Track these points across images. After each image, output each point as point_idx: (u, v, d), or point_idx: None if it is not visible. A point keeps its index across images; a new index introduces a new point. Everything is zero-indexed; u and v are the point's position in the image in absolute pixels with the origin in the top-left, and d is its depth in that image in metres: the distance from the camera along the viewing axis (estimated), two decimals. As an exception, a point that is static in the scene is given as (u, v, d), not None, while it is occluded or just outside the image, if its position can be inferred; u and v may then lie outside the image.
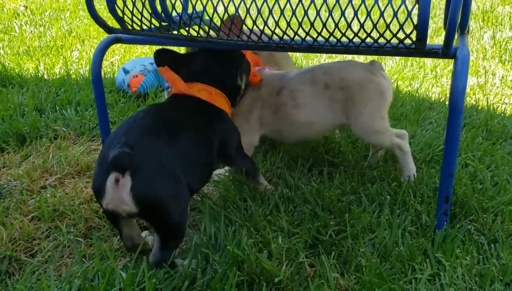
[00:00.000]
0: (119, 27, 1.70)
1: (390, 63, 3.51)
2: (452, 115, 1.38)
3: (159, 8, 1.73)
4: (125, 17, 1.63)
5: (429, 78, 3.18)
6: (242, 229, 1.52)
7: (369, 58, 2.01)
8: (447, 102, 2.69)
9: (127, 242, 1.46)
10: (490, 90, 2.95)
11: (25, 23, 4.68)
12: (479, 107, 2.69)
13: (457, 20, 1.32)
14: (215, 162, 1.62)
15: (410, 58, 3.60)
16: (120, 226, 1.42)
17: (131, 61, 3.09)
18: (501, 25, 4.71)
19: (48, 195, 1.80)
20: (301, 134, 1.93)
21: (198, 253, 1.45)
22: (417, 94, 2.83)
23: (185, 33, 1.62)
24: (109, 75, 3.21)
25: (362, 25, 1.37)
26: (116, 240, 1.59)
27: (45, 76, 3.13)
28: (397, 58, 3.55)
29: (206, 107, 1.63)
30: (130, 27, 1.68)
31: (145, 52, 3.78)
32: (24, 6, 5.59)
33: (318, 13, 1.39)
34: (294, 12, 1.41)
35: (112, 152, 1.28)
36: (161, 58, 1.70)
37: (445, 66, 3.40)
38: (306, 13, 1.40)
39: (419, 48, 1.40)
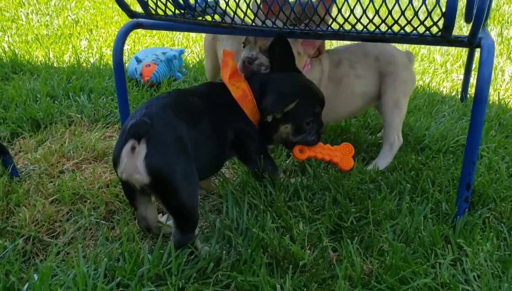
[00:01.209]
0: (142, 11, 1.71)
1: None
2: (476, 104, 1.40)
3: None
4: (150, 1, 1.63)
5: (439, 73, 3.20)
6: (264, 214, 1.53)
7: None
8: (458, 96, 2.71)
9: (141, 222, 1.47)
10: (500, 86, 2.97)
11: (31, 12, 4.67)
12: (490, 102, 2.71)
13: (486, 8, 1.33)
14: (225, 157, 1.62)
15: (420, 53, 3.62)
16: (135, 203, 1.43)
17: (143, 50, 3.09)
18: (508, 23, 4.73)
19: (67, 179, 1.80)
20: (354, 108, 2.02)
21: (221, 236, 1.46)
22: (428, 89, 2.85)
23: (210, 19, 1.63)
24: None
25: (390, 12, 1.38)
26: (136, 223, 1.60)
27: (55, 64, 3.13)
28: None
29: (231, 104, 1.60)
30: (153, 12, 1.68)
31: (156, 43, 3.78)
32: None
33: (346, -1, 1.40)
34: (322, -2, 1.42)
35: (131, 121, 1.32)
36: (276, 46, 1.66)
37: (454, 61, 3.42)
38: (334, -1, 1.41)
39: (445, 36, 1.41)
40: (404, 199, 1.61)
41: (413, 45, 3.67)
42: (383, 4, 1.36)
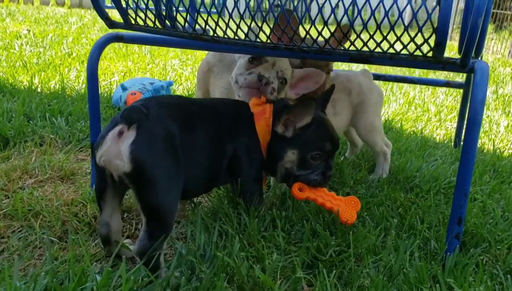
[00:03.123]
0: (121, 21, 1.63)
1: (394, 105, 3.45)
2: (470, 128, 1.28)
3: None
4: (129, 10, 1.55)
5: (433, 122, 3.11)
6: (233, 239, 1.37)
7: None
8: (451, 143, 2.61)
9: (102, 229, 1.34)
10: (496, 136, 2.88)
11: (26, 43, 4.64)
12: (485, 151, 2.61)
13: (479, 28, 1.24)
14: (219, 175, 1.50)
15: (414, 101, 3.56)
16: (103, 202, 1.32)
17: (130, 79, 3.02)
18: (503, 82, 4.73)
19: (25, 195, 1.65)
20: None
21: (183, 261, 1.30)
22: (421, 135, 2.75)
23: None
24: (106, 94, 3.11)
25: (378, 26, 1.30)
26: (94, 245, 1.44)
27: (39, 89, 3.03)
28: (401, 100, 3.50)
29: (239, 119, 1.53)
30: (133, 21, 1.60)
31: (145, 74, 3.72)
32: (27, 30, 5.58)
33: (333, 10, 1.31)
34: (308, 9, 1.34)
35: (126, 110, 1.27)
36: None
37: (449, 113, 3.35)
38: (320, 10, 1.33)
39: (436, 55, 1.32)
40: (390, 234, 1.46)
41: (406, 93, 3.62)
42: (372, 17, 1.28)
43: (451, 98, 3.83)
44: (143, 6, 1.50)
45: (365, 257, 1.37)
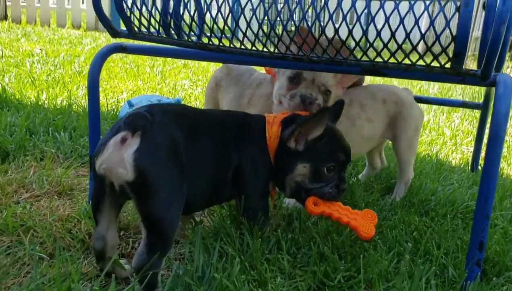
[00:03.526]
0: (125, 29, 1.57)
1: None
2: (492, 143, 1.19)
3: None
4: (132, 17, 1.49)
5: (448, 146, 3.00)
6: (234, 260, 1.27)
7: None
8: (468, 167, 2.50)
9: (97, 242, 1.25)
10: (514, 161, 2.76)
11: (37, 61, 4.64)
12: (504, 175, 2.49)
13: (502, 36, 1.16)
14: (225, 189, 1.42)
15: (428, 124, 3.45)
16: (99, 214, 1.24)
17: (138, 96, 2.96)
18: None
19: (18, 209, 1.57)
20: (359, 151, 1.94)
21: (180, 282, 1.21)
22: (436, 158, 2.64)
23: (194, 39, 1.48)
24: (113, 111, 3.06)
25: (393, 34, 1.22)
26: (86, 263, 1.35)
27: (45, 105, 2.99)
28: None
29: (249, 130, 1.46)
30: (137, 29, 1.54)
31: (154, 93, 3.68)
32: (40, 49, 5.61)
33: (344, 17, 1.24)
34: (318, 16, 1.27)
35: (129, 113, 1.20)
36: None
37: (464, 137, 3.24)
38: (331, 17, 1.25)
39: (455, 67, 1.23)
40: (403, 259, 1.35)
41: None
42: (386, 24, 1.20)
43: (466, 123, 3.72)
44: (147, 15, 1.45)
45: (376, 283, 1.26)
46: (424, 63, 1.29)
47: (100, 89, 3.67)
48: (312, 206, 1.42)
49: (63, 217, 1.56)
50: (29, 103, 2.99)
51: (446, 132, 3.32)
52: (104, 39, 8.04)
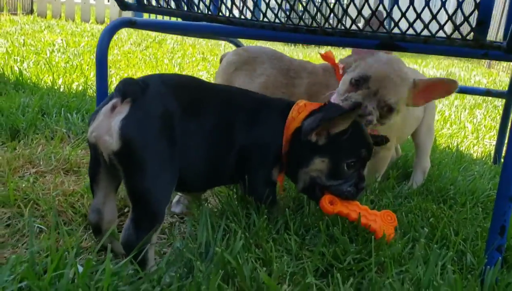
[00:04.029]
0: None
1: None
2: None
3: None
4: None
5: (470, 139, 2.90)
6: (237, 235, 1.21)
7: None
8: (491, 160, 2.40)
9: (92, 215, 1.21)
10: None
11: (57, 50, 4.67)
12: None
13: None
14: (225, 171, 1.34)
15: (449, 118, 3.35)
16: (95, 185, 1.20)
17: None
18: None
19: (22, 183, 1.54)
20: (410, 131, 1.91)
21: (180, 259, 1.15)
22: (457, 150, 2.54)
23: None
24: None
25: (412, 2, 1.14)
26: (86, 237, 1.31)
27: (61, 90, 2.98)
28: (436, 116, 3.28)
29: (262, 112, 1.36)
30: (146, 1, 1.50)
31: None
32: (61, 40, 5.65)
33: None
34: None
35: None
36: None
37: (487, 131, 3.13)
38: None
39: (479, 37, 1.15)
40: (419, 244, 1.28)
41: (441, 112, 3.41)
42: (404, -9, 1.13)
43: (489, 119, 3.60)
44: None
45: (388, 267, 1.19)
46: (444, 35, 1.21)
47: (118, 77, 3.67)
48: (328, 205, 1.32)
49: (67, 192, 1.52)
50: (45, 86, 2.98)
51: (468, 127, 3.20)
52: (126, 33, 8.08)
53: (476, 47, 1.19)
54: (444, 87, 1.49)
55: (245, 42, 4.93)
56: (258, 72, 1.89)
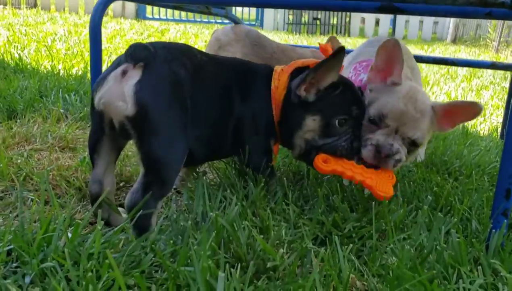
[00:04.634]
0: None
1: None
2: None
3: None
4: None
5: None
6: (232, 202, 1.17)
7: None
8: (498, 136, 2.35)
9: (93, 186, 1.17)
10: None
11: (59, 39, 4.64)
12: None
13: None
14: (226, 140, 1.31)
15: (456, 99, 3.29)
16: (96, 155, 1.16)
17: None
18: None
19: (17, 158, 1.51)
20: None
21: (175, 227, 1.12)
22: (463, 127, 2.49)
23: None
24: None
25: (411, -44, 1.10)
26: (79, 210, 1.28)
27: (61, 74, 2.95)
28: (442, 97, 3.23)
29: (254, 77, 1.34)
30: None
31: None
32: (63, 30, 5.63)
33: None
34: None
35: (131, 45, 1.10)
36: None
37: (494, 110, 3.06)
38: None
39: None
40: (422, 210, 1.23)
41: (447, 93, 3.34)
42: None
43: (497, 100, 3.53)
44: None
45: (390, 233, 1.15)
46: (446, -8, 1.16)
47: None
48: (322, 163, 1.28)
49: (62, 167, 1.49)
50: (45, 71, 2.96)
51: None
52: (129, 24, 8.05)
53: (479, 5, 1.14)
54: (468, 111, 1.35)
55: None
56: (238, 56, 1.86)
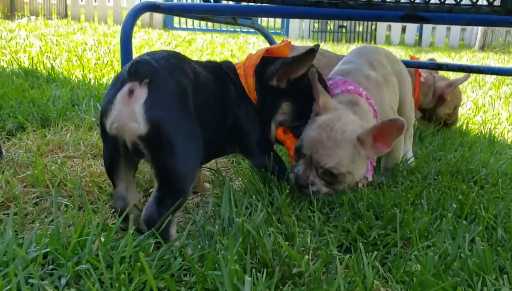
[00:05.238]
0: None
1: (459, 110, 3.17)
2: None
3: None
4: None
5: (504, 125, 2.80)
6: (258, 209, 1.20)
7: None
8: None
9: (117, 203, 1.20)
10: None
11: (89, 48, 4.77)
12: None
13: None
14: (226, 142, 1.37)
15: (483, 107, 3.25)
16: (116, 176, 1.19)
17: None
18: None
19: (51, 165, 1.57)
20: None
21: (202, 232, 1.15)
22: (489, 135, 2.46)
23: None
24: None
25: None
26: (111, 213, 1.32)
27: (91, 83, 3.04)
28: (468, 105, 3.19)
29: (233, 83, 1.39)
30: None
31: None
32: (93, 40, 5.78)
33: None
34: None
35: (131, 62, 1.10)
36: None
37: (524, 118, 3.02)
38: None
39: (506, 2, 1.11)
40: (446, 217, 1.24)
41: (474, 100, 3.31)
42: (427, -44, 1.10)
43: (527, 108, 3.48)
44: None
45: (414, 241, 1.16)
46: (470, 3, 1.18)
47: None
48: (282, 133, 1.45)
49: (94, 174, 1.55)
50: (76, 80, 3.05)
51: (503, 114, 3.10)
52: (156, 34, 8.20)
53: (504, 13, 1.15)
54: (392, 128, 1.35)
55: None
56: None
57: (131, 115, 1.06)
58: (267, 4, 1.33)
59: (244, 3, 1.47)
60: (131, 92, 1.06)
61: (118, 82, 1.10)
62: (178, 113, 1.11)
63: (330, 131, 1.36)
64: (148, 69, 1.07)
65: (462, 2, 1.21)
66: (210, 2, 1.60)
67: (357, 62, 1.64)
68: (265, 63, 1.40)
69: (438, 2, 1.20)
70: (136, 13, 1.62)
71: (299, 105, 1.43)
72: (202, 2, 1.58)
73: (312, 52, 1.33)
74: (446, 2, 1.19)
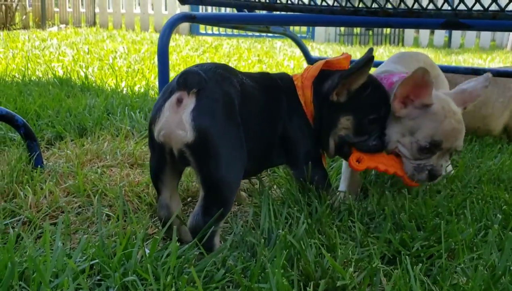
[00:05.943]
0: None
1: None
2: None
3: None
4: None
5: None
6: (300, 221, 1.19)
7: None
8: None
9: (162, 212, 1.22)
10: None
11: (119, 56, 4.85)
12: None
13: None
14: (273, 153, 1.37)
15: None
16: (161, 183, 1.21)
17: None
18: None
19: (91, 175, 1.60)
20: None
21: (244, 243, 1.16)
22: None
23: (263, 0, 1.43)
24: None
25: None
26: (152, 223, 1.34)
27: (124, 92, 3.09)
28: None
29: (287, 94, 1.39)
30: (204, -7, 1.52)
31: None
32: (123, 47, 5.87)
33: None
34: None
35: (180, 73, 1.14)
36: None
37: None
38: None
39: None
40: (492, 229, 1.21)
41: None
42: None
43: None
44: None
45: (460, 253, 1.14)
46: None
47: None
48: (356, 163, 1.38)
49: (133, 183, 1.57)
50: (109, 89, 3.10)
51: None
52: (183, 40, 8.28)
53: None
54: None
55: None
56: None
57: (179, 123, 1.09)
58: (309, 13, 1.33)
59: (278, 12, 1.47)
60: (179, 101, 1.10)
61: (167, 92, 1.14)
62: (224, 122, 1.13)
63: (454, 115, 1.37)
64: (196, 80, 1.11)
65: (504, 8, 1.18)
66: (244, 11, 1.60)
67: (395, 69, 1.62)
68: (323, 76, 1.38)
69: (482, 9, 1.18)
70: (173, 24, 1.64)
71: (361, 119, 1.36)
72: (235, 11, 1.58)
73: (369, 60, 1.30)
74: (490, 8, 1.17)
